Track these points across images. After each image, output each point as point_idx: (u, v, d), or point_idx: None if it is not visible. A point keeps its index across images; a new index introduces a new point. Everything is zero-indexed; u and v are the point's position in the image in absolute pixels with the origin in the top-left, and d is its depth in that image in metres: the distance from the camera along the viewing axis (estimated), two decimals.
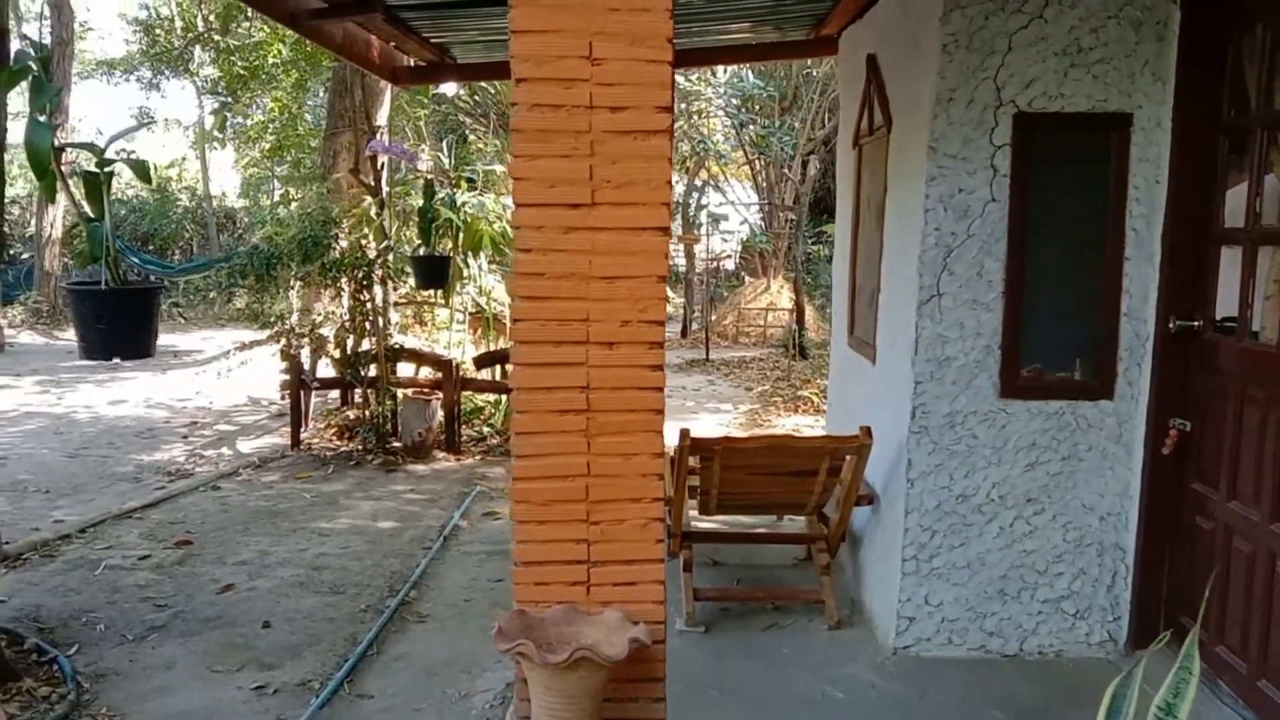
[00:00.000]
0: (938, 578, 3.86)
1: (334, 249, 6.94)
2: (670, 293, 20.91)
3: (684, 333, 17.36)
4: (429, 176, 7.40)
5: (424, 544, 5.70)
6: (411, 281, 8.04)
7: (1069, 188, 3.72)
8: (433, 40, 5.36)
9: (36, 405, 9.51)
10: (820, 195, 17.56)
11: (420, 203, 8.07)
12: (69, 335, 14.75)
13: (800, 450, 4.16)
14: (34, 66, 2.59)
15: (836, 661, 3.89)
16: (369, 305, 7.27)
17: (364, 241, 7.46)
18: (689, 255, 17.58)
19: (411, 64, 5.80)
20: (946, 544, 3.85)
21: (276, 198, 21.81)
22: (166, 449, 8.00)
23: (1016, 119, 3.65)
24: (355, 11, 4.15)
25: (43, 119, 2.76)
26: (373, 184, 7.99)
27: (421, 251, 6.67)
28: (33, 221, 17.22)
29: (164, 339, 14.36)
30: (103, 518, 5.95)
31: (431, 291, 8.87)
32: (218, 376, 10.20)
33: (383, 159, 8.06)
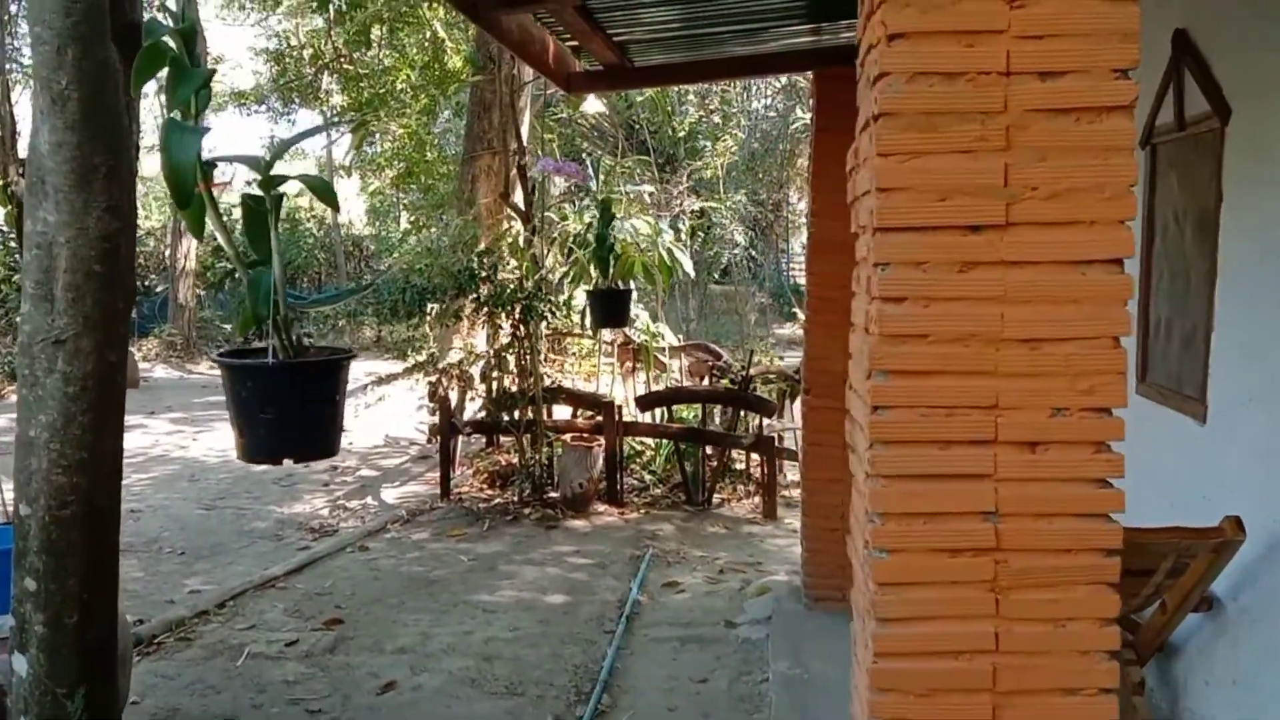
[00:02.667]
0: None
1: (491, 281, 6.21)
2: (801, 314, 19.72)
3: None
4: (598, 197, 6.62)
5: (604, 625, 4.86)
6: (575, 317, 7.30)
7: None
8: (616, 39, 4.58)
9: (169, 447, 9.11)
10: None
11: (577, 227, 7.33)
12: (202, 369, 14.63)
13: (1141, 545, 3.15)
14: (171, 45, 1.88)
15: None
16: (526, 343, 6.52)
17: (517, 272, 6.73)
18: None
19: (586, 69, 5.03)
20: None
21: (404, 225, 21.65)
22: (308, 499, 7.40)
23: None
24: None
25: (186, 121, 1.94)
26: (524, 209, 7.28)
27: (596, 284, 5.89)
28: (167, 251, 17.30)
29: None
30: (243, 588, 5.29)
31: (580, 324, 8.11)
32: (355, 414, 9.63)
33: (532, 181, 7.34)
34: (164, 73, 1.94)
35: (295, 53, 19.06)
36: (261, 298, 2.01)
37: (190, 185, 1.69)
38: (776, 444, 6.85)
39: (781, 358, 17.26)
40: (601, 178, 8.67)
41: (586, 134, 17.56)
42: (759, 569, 5.80)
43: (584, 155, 17.72)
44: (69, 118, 2.59)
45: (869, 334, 1.70)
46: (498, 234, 9.04)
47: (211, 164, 1.99)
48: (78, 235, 2.66)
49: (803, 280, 27.37)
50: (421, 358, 7.29)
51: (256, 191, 2.05)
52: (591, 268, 7.17)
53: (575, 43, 4.56)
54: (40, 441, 2.69)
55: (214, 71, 1.84)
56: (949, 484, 1.63)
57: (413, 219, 20.30)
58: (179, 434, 9.74)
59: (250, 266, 2.12)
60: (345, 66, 17.63)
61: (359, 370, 15.23)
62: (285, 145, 2.31)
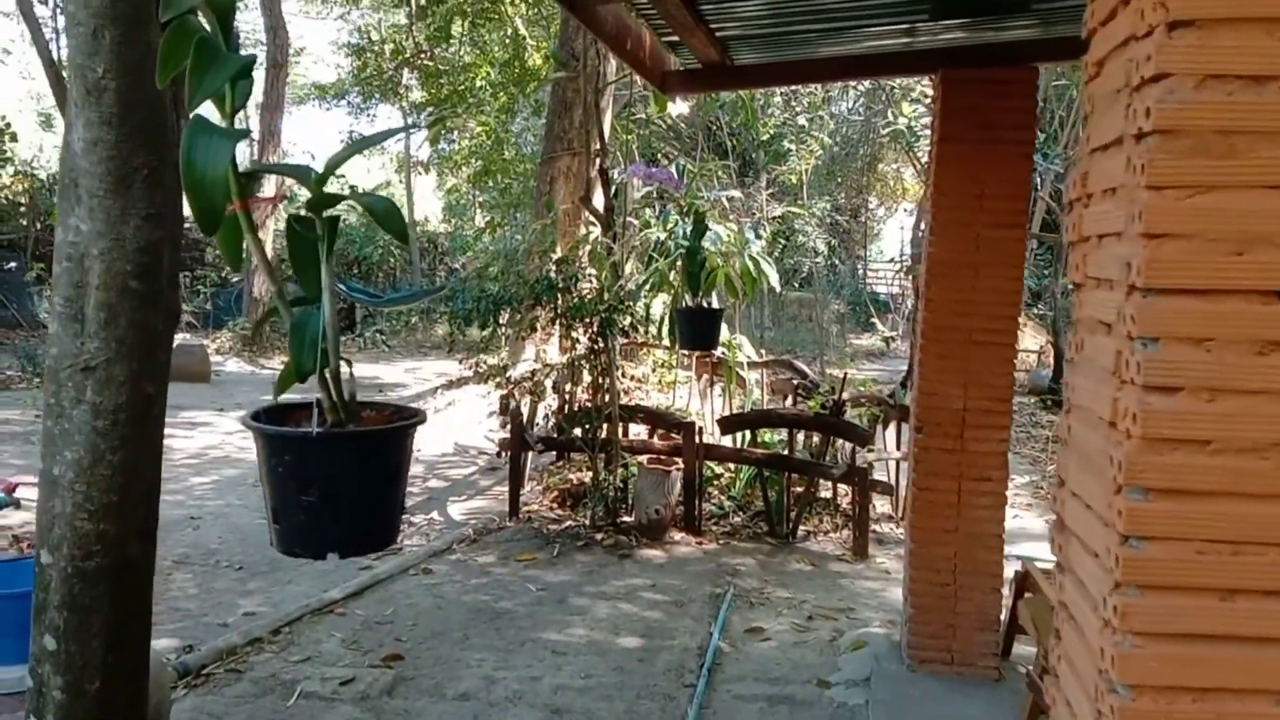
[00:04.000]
0: None
1: (570, 291, 5.82)
2: (880, 325, 19.05)
3: (909, 373, 15.65)
4: (681, 203, 6.21)
5: (683, 677, 4.43)
6: (653, 329, 6.89)
7: None
8: (719, 33, 4.14)
9: (234, 448, 8.91)
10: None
11: (658, 234, 6.91)
12: (275, 364, 14.56)
13: None
14: (201, 22, 1.46)
15: None
16: (603, 358, 6.12)
17: (595, 281, 6.33)
18: (918, 290, 15.86)
19: (683, 67, 4.60)
20: None
21: (480, 224, 21.49)
22: None
23: None
24: None
25: (217, 119, 1.41)
26: (604, 214, 6.88)
27: (680, 298, 5.45)
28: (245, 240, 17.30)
29: (367, 369, 13.92)
30: (300, 613, 4.98)
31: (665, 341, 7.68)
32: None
33: (617, 184, 6.93)
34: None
35: (377, 47, 19.01)
36: (307, 346, 1.62)
37: (219, 204, 1.32)
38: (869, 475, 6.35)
39: (859, 369, 16.65)
40: (685, 182, 8.24)
41: (663, 135, 17.15)
42: (850, 616, 5.31)
43: (660, 157, 17.35)
44: (105, 111, 2.25)
45: (1122, 432, 1.24)
46: (575, 239, 8.68)
47: (250, 176, 1.60)
48: (113, 247, 2.31)
49: (879, 289, 26.47)
50: (494, 361, 6.92)
51: (310, 212, 1.66)
52: (676, 279, 6.78)
53: (675, 38, 4.14)
54: (65, 481, 2.35)
55: (254, 58, 1.47)
56: (1233, 649, 1.17)
57: (488, 218, 20.12)
58: (245, 434, 9.55)
59: (295, 304, 1.73)
60: (425, 62, 17.52)
61: (430, 370, 14.99)
62: (351, 151, 1.90)
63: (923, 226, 16.68)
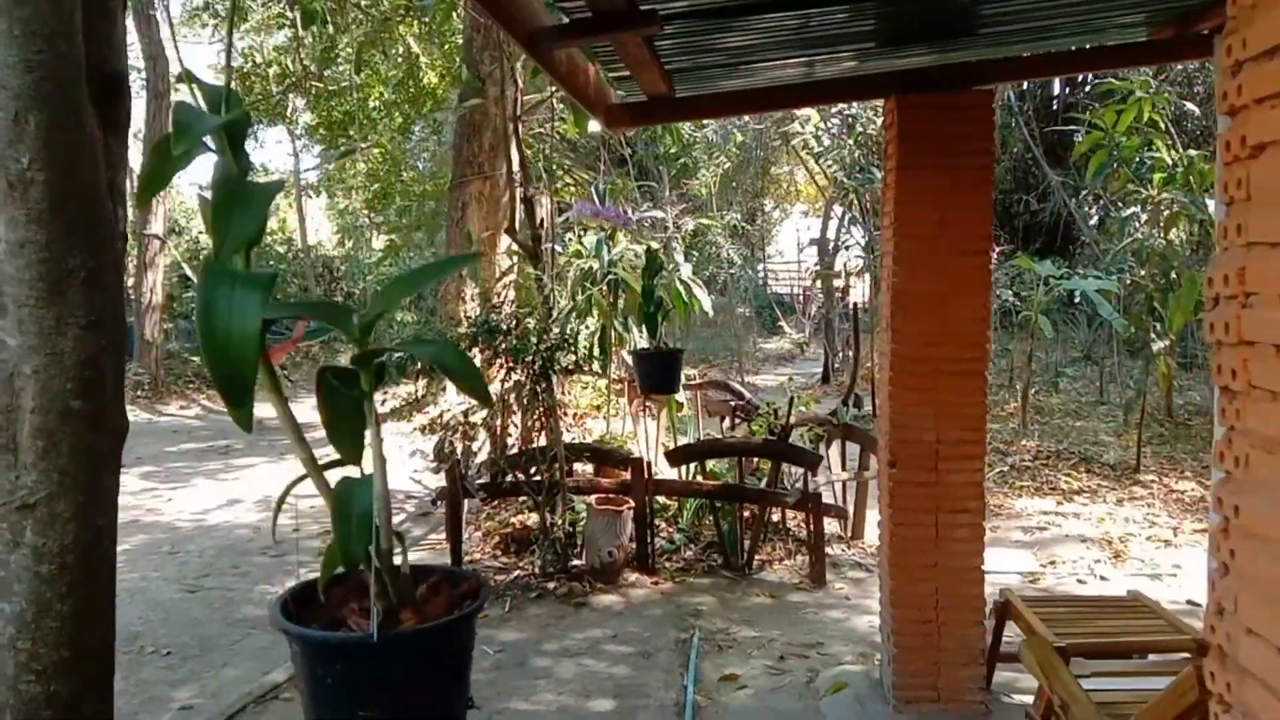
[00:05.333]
0: None
1: (511, 333, 5.55)
2: (788, 328, 19.16)
3: (825, 378, 15.79)
4: (604, 229, 6.00)
5: None
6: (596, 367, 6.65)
7: None
8: (669, 66, 3.95)
9: (142, 510, 8.32)
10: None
11: (589, 264, 6.69)
12: (172, 410, 13.79)
13: None
14: (210, 142, 1.22)
15: None
16: (545, 398, 5.86)
17: (531, 319, 6.07)
18: (828, 294, 16.00)
19: (626, 100, 4.39)
20: None
21: (377, 245, 20.88)
22: (303, 572, 6.67)
23: None
24: (626, 26, 2.74)
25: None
26: (531, 244, 6.63)
27: (642, 341, 5.24)
28: (131, 282, 16.43)
29: (267, 409, 13.28)
30: (242, 703, 4.59)
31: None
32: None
33: (541, 213, 6.69)
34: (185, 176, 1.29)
35: (261, 70, 18.26)
36: (357, 528, 1.34)
37: (250, 371, 1.06)
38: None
39: (775, 374, 16.70)
40: (610, 204, 8.02)
41: (559, 147, 16.91)
42: (821, 652, 5.18)
43: (559, 170, 17.07)
44: (34, 208, 1.92)
45: None
46: (496, 270, 8.40)
47: (279, 332, 1.32)
48: (49, 363, 1.99)
49: (780, 289, 26.56)
50: (435, 411, 6.59)
51: (342, 360, 1.40)
52: (603, 302, 6.56)
53: (625, 73, 3.93)
54: (5, 639, 2.01)
55: (282, 184, 1.20)
56: None
57: (388, 239, 19.57)
58: (152, 493, 8.96)
59: (328, 467, 1.45)
60: (314, 84, 16.88)
61: None
62: (402, 291, 1.61)
63: (849, 238, 16.74)
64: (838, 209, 16.46)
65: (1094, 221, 16.41)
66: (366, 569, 1.35)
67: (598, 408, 8.86)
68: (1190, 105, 11.92)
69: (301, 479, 1.51)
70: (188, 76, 1.21)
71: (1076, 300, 13.23)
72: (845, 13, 3.40)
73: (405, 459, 8.98)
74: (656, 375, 5.14)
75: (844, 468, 7.20)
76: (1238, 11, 1.26)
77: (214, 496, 8.87)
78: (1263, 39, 1.19)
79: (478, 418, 6.99)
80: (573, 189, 17.47)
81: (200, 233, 18.91)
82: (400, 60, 15.63)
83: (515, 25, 2.66)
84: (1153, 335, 9.04)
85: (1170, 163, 8.56)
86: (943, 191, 4.11)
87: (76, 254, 1.98)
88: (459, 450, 6.69)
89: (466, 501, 7.05)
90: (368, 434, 1.41)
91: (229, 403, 1.19)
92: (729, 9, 3.17)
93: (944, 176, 4.11)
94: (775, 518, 6.89)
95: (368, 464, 1.54)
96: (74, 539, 2.02)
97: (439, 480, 6.58)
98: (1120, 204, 11.69)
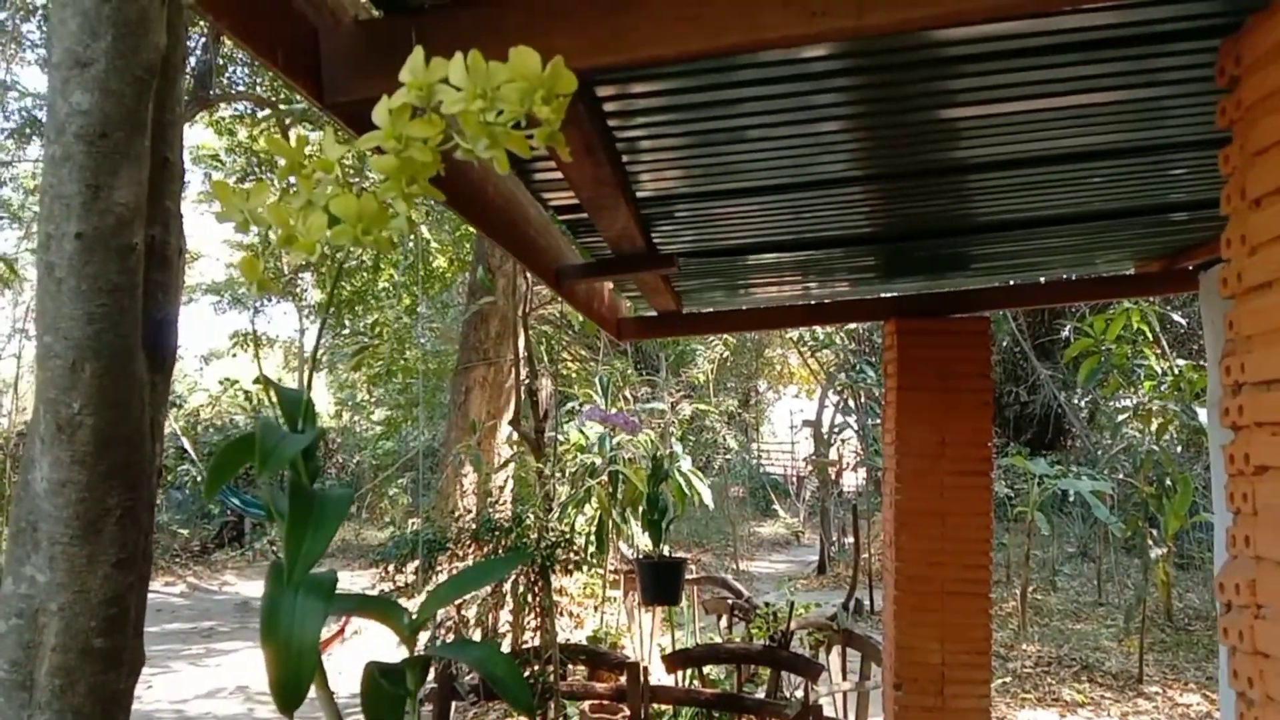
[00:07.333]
0: None
1: (513, 533, 5.56)
2: (782, 511, 18.95)
3: (821, 568, 15.61)
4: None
5: None
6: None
7: None
8: (679, 290, 4.15)
9: None
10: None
11: (591, 459, 6.75)
12: (158, 586, 13.51)
13: None
14: (284, 449, 1.28)
15: None
16: (542, 599, 5.80)
17: (531, 515, 6.08)
18: (824, 483, 16.01)
19: (637, 315, 4.59)
20: None
21: (376, 419, 21.01)
22: None
23: None
24: (647, 267, 2.91)
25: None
26: (534, 437, 6.70)
27: (643, 549, 5.24)
28: None
29: (258, 586, 13.03)
30: None
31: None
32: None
33: (546, 405, 6.81)
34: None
35: (274, 247, 18.88)
36: None
37: (308, 679, 1.09)
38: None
39: (769, 562, 16.49)
40: (608, 399, 8.16)
41: (558, 323, 17.31)
42: None
43: (562, 353, 17.45)
44: (79, 450, 1.98)
45: None
46: (496, 460, 8.46)
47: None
48: (76, 600, 1.99)
49: (773, 469, 26.36)
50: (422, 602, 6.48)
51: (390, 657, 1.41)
52: (603, 494, 6.58)
53: (637, 293, 4.12)
54: None
55: (352, 497, 1.25)
56: None
57: (387, 414, 19.70)
58: None
59: None
60: (323, 266, 17.45)
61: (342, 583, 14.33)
62: (450, 594, 1.65)
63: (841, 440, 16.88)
64: (832, 396, 16.70)
65: (1084, 414, 16.64)
66: None
67: (591, 595, 8.74)
68: (1177, 316, 12.32)
69: None
70: (264, 382, 1.29)
71: (1071, 499, 13.26)
72: (843, 253, 3.61)
73: (393, 645, 8.79)
74: (659, 585, 5.12)
75: (844, 675, 7.03)
76: (1234, 335, 1.38)
77: (195, 684, 8.61)
78: (1261, 369, 1.29)
79: (471, 612, 6.88)
80: (572, 366, 17.81)
81: (201, 405, 19.04)
82: (410, 244, 16.24)
83: (543, 269, 2.82)
84: (1150, 541, 9.04)
85: (1159, 371, 8.78)
86: (942, 412, 4.23)
87: (116, 494, 2.02)
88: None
89: (455, 703, 6.87)
90: None
91: (281, 705, 1.21)
92: (736, 249, 3.37)
93: (944, 398, 4.24)
94: None
95: None
96: None
97: (428, 679, 6.40)
98: (1112, 400, 11.91)
